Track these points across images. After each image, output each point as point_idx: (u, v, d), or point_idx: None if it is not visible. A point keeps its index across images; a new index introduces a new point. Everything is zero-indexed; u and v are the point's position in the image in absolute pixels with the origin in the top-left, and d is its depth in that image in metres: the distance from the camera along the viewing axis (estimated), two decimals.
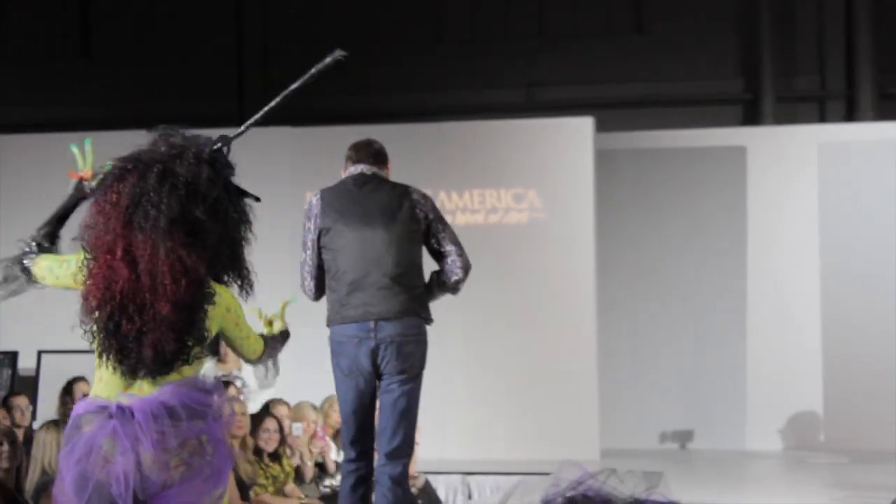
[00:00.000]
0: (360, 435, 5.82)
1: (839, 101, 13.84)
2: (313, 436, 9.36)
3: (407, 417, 5.77)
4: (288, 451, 9.00)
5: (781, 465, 11.67)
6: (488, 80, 14.22)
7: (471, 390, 11.47)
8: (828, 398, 12.25)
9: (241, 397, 9.92)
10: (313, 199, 5.95)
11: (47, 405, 11.05)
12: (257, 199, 4.41)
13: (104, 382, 4.04)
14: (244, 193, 4.35)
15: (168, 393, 3.94)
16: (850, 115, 13.62)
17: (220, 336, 4.24)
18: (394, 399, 5.74)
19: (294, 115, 13.73)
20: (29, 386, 11.67)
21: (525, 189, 11.77)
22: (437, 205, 6.46)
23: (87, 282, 4.16)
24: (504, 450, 11.09)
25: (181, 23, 15.15)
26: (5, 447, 7.27)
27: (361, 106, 14.17)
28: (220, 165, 4.27)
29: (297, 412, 9.60)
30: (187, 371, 4.02)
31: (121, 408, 3.91)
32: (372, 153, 6.10)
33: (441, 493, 10.12)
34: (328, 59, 5.04)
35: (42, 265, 4.61)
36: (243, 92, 15.19)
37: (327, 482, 9.37)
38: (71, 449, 3.90)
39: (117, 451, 3.85)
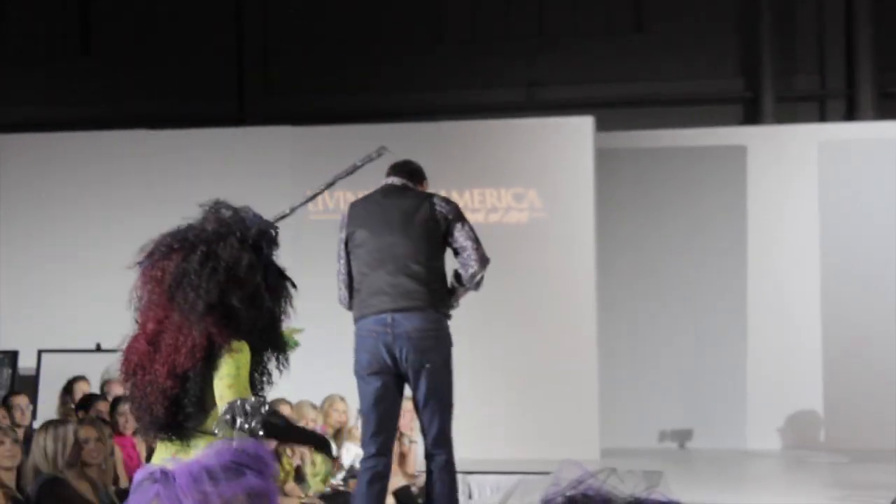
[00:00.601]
0: (378, 430, 5.96)
1: (839, 101, 13.85)
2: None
3: (438, 410, 5.95)
4: (288, 451, 9.04)
5: (781, 465, 11.68)
6: (488, 80, 14.22)
7: (471, 389, 11.45)
8: (828, 397, 12.26)
9: None
10: (343, 210, 6.21)
11: (47, 405, 11.06)
12: (294, 286, 4.47)
13: (156, 450, 4.30)
14: (284, 276, 4.44)
15: (208, 455, 4.10)
16: (851, 114, 13.63)
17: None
18: (421, 395, 5.93)
19: (294, 114, 13.77)
20: (29, 385, 11.68)
21: (525, 188, 11.77)
22: None
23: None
24: (504, 449, 11.09)
25: (181, 22, 15.16)
26: (7, 446, 7.29)
27: (361, 105, 14.17)
28: (263, 248, 4.38)
29: (297, 411, 9.63)
30: (210, 436, 4.15)
31: (164, 472, 4.09)
32: (407, 170, 6.36)
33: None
34: (374, 154, 5.43)
35: None
36: (243, 92, 15.21)
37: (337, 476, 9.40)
38: (134, 499, 4.15)
39: None
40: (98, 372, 11.16)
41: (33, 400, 10.93)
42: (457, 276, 6.05)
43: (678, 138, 13.00)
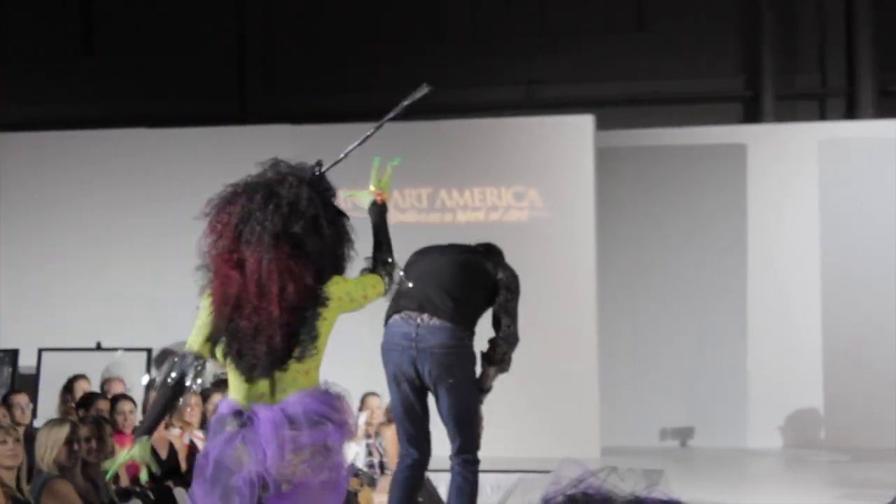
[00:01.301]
0: (410, 434, 6.22)
1: (839, 99, 13.84)
2: None
3: (460, 424, 6.16)
4: None
5: (782, 463, 11.67)
6: (489, 79, 14.21)
7: None
8: (828, 396, 12.24)
9: None
10: None
11: (48, 403, 11.05)
12: (347, 218, 4.75)
13: (235, 388, 4.53)
14: (342, 214, 4.73)
15: (292, 403, 4.38)
16: (851, 112, 13.62)
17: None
18: (444, 408, 6.14)
19: (295, 113, 13.76)
20: (29, 384, 11.67)
21: (526, 187, 11.76)
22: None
23: (211, 296, 4.57)
24: (505, 448, 11.06)
25: (183, 22, 15.16)
26: (9, 445, 7.27)
27: (361, 105, 14.10)
28: (320, 188, 4.71)
29: None
30: (300, 370, 4.44)
31: (251, 417, 4.38)
32: (486, 245, 6.75)
33: (442, 492, 10.09)
34: (418, 94, 5.59)
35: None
36: (244, 91, 15.21)
37: None
38: (214, 443, 4.43)
39: (246, 455, 4.33)
40: (98, 370, 11.15)
41: (33, 398, 10.92)
42: (487, 352, 6.37)
43: (678, 137, 12.99)
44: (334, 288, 4.54)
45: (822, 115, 13.80)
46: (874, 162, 12.36)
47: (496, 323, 6.38)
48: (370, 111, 13.57)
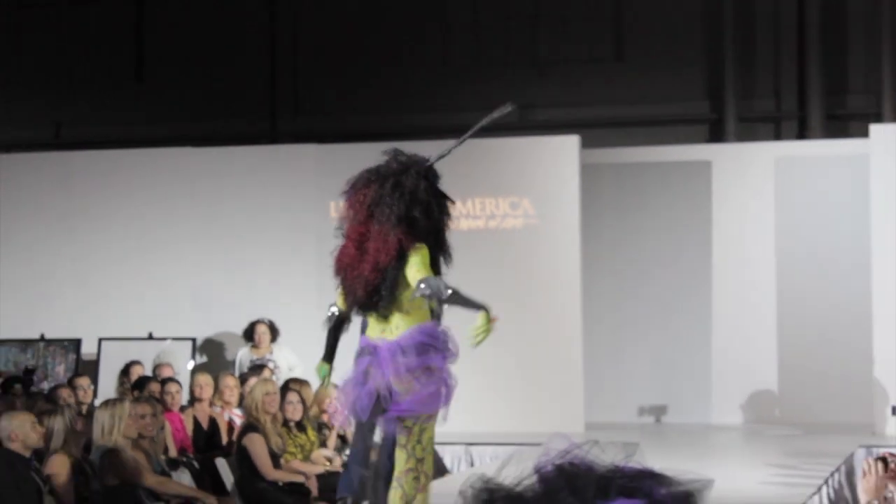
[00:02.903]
0: None
1: (792, 121, 13.84)
2: (335, 412, 9.38)
3: None
4: (324, 417, 9.13)
5: (742, 437, 11.69)
6: (488, 103, 14.10)
7: (474, 373, 11.46)
8: (781, 378, 12.26)
9: (273, 377, 9.96)
10: None
11: (106, 386, 11.11)
12: (453, 202, 5.47)
13: (369, 328, 5.28)
14: (445, 196, 5.38)
15: (406, 337, 5.11)
16: (802, 133, 13.62)
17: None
18: None
19: (319, 133, 13.80)
20: (91, 369, 11.73)
21: (520, 198, 11.79)
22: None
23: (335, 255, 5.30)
24: (501, 424, 11.10)
25: (220, 52, 15.20)
26: (151, 419, 7.43)
27: (379, 125, 14.19)
28: (432, 177, 5.33)
29: (319, 391, 9.63)
30: (403, 313, 5.14)
31: (374, 347, 5.14)
32: None
33: (447, 461, 10.15)
34: (504, 109, 5.90)
35: None
36: (275, 113, 15.25)
37: (348, 451, 9.41)
38: (357, 363, 5.21)
39: (372, 374, 5.10)
40: (150, 357, 11.21)
41: (94, 381, 10.97)
42: None
43: (652, 154, 13.01)
44: (413, 252, 5.13)
45: (778, 136, 13.80)
46: (823, 177, 12.38)
47: None
48: (387, 130, 13.74)
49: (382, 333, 5.15)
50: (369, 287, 5.10)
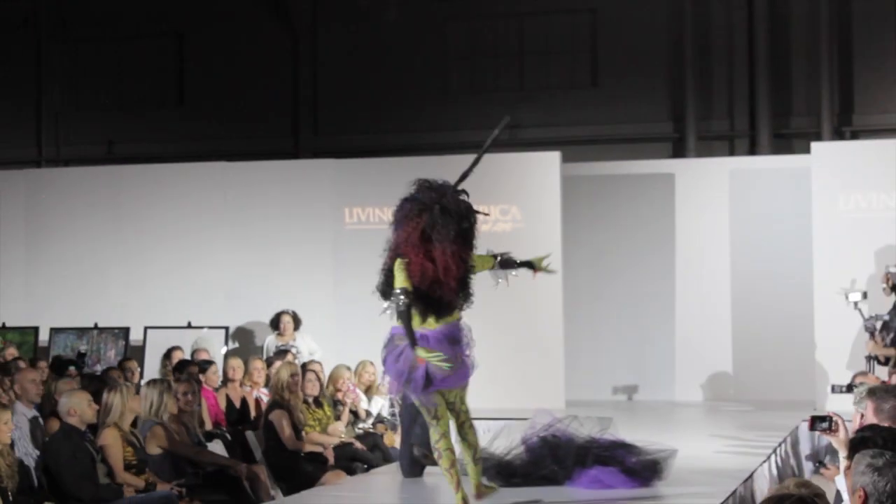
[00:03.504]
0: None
1: (744, 139, 13.87)
2: (348, 390, 9.35)
3: None
4: (340, 395, 9.12)
5: (702, 412, 11.67)
6: (481, 123, 14.18)
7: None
8: (736, 362, 12.24)
9: (296, 361, 9.93)
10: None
11: (151, 368, 11.09)
12: (486, 214, 5.90)
13: (412, 318, 5.44)
14: (476, 211, 5.62)
15: (444, 329, 5.47)
16: (753, 149, 13.64)
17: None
18: None
19: (338, 149, 13.79)
20: (138, 353, 11.71)
21: (509, 205, 11.77)
22: None
23: (408, 267, 5.42)
24: (491, 401, 11.03)
25: (252, 81, 15.23)
26: (191, 396, 7.45)
27: (390, 143, 14.21)
28: (464, 194, 5.61)
29: (334, 372, 9.60)
30: (456, 314, 5.53)
31: (421, 336, 5.42)
32: None
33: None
34: (503, 123, 5.97)
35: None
36: (298, 132, 15.26)
37: (360, 425, 9.38)
38: (395, 350, 5.49)
39: (411, 357, 5.42)
40: (189, 343, 11.18)
41: (140, 364, 10.97)
42: None
43: (623, 167, 13.00)
44: (476, 257, 5.62)
45: (732, 152, 13.82)
46: (770, 186, 12.37)
47: None
48: (397, 147, 13.74)
49: (422, 324, 5.45)
50: (452, 293, 5.45)
